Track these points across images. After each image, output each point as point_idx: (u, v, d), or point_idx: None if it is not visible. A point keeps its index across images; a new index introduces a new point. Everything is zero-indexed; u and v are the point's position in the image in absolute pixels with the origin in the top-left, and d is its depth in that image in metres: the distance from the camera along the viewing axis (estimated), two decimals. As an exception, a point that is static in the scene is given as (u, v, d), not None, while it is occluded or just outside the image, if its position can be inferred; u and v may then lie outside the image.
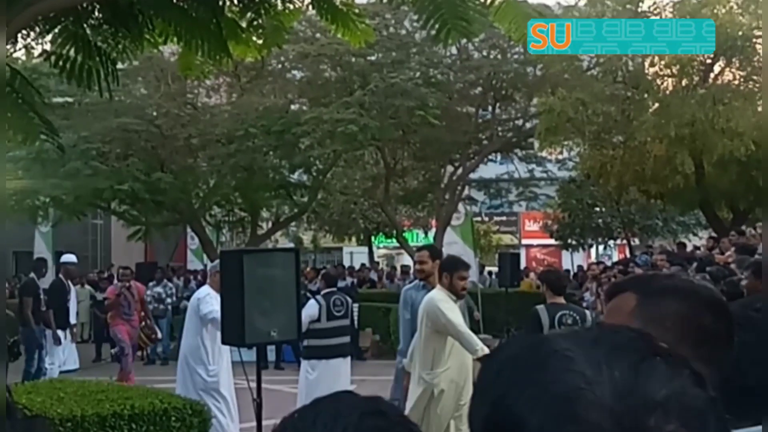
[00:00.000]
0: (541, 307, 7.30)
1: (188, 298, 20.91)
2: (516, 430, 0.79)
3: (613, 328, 0.86)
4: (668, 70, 18.19)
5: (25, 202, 17.27)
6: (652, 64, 18.45)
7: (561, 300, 7.45)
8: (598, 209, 28.51)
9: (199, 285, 21.89)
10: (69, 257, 14.55)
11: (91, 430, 5.69)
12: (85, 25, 5.14)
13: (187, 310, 8.74)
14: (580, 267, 24.78)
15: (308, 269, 20.37)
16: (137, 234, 22.12)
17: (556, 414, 0.78)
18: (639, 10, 18.10)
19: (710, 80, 17.99)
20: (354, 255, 36.54)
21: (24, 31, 4.99)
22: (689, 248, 18.21)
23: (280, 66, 20.35)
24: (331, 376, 8.91)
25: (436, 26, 5.55)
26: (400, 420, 1.14)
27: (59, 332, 13.42)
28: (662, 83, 18.44)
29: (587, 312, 8.28)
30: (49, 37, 5.37)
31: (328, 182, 21.54)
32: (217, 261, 8.96)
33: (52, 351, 13.44)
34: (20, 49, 6.47)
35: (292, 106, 19.67)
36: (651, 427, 0.75)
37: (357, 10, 6.35)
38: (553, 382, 0.79)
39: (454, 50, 20.00)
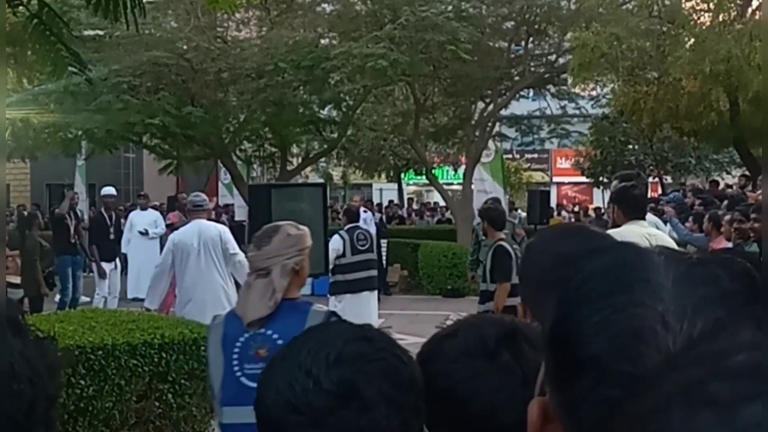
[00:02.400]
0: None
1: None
2: (574, 348, 0.77)
3: (718, 271, 0.78)
4: (705, 5, 17.81)
5: (58, 135, 17.41)
6: (688, -1, 18.09)
7: (502, 236, 7.86)
8: (630, 146, 28.28)
9: (231, 219, 22.08)
10: (108, 190, 14.64)
11: (122, 358, 5.82)
12: (112, -43, 5.13)
13: (199, 245, 7.90)
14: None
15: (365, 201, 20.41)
16: (169, 167, 22.27)
17: (618, 349, 0.74)
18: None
19: (748, 15, 17.59)
20: (383, 191, 36.60)
21: (51, -37, 4.98)
22: (722, 186, 18.05)
23: (310, -1, 20.16)
24: (358, 310, 9.00)
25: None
26: (385, 345, 1.15)
27: (104, 264, 13.56)
28: (698, 18, 18.06)
29: None
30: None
31: (358, 118, 21.46)
32: (196, 195, 8.66)
33: (99, 283, 13.63)
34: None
35: (322, 41, 19.52)
36: (711, 392, 0.68)
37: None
38: (629, 315, 0.75)
39: (486, -17, 19.69)
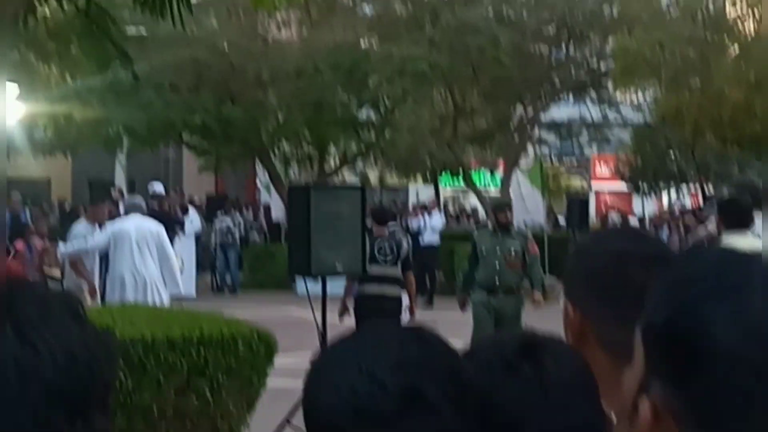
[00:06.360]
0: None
1: (258, 230, 21.13)
2: (703, 340, 0.78)
3: None
4: (750, 12, 17.60)
5: (99, 131, 17.60)
6: (733, 4, 17.86)
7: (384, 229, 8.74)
8: (672, 154, 27.94)
9: (268, 220, 22.10)
10: (158, 188, 15.36)
11: (161, 352, 5.85)
12: (159, -45, 5.17)
13: (148, 238, 8.84)
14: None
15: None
16: (208, 166, 22.40)
17: (753, 339, 0.76)
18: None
19: (795, 23, 17.34)
20: (420, 194, 36.48)
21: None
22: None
23: (350, 1, 20.19)
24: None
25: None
26: (441, 346, 1.13)
27: None
28: (743, 26, 17.84)
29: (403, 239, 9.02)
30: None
31: (396, 120, 21.45)
32: (134, 197, 10.13)
33: None
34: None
35: (362, 42, 19.56)
36: None
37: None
38: (757, 307, 0.77)
39: (528, -13, 19.62)
